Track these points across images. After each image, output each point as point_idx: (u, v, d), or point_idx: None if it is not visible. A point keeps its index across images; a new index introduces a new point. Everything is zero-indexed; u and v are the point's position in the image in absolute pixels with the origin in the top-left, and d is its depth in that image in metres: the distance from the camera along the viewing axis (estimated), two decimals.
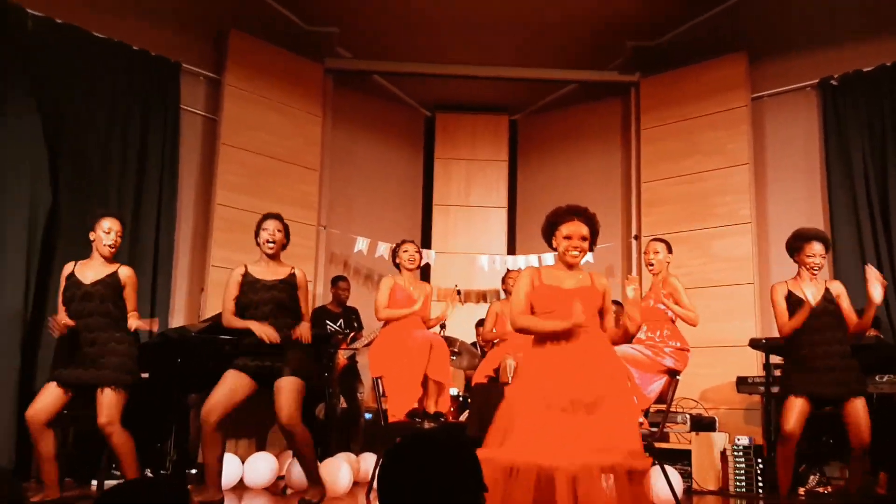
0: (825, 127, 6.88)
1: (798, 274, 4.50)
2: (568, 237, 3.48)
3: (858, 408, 4.27)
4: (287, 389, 4.23)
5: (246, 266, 4.48)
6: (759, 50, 7.31)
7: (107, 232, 4.33)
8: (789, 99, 7.23)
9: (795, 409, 4.29)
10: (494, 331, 5.80)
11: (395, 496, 1.56)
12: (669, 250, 5.07)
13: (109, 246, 4.33)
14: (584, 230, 3.49)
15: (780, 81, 7.24)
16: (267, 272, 4.44)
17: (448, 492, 1.54)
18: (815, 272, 4.43)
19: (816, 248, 4.41)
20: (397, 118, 8.90)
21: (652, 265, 5.02)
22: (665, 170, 7.64)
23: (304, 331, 4.34)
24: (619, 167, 8.32)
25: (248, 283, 4.39)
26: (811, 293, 4.39)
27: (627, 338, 3.64)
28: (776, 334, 4.72)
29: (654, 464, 4.67)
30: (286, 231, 4.54)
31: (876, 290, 4.21)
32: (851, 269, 6.46)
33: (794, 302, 4.39)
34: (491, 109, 8.92)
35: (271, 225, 4.49)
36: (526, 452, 3.14)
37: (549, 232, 3.57)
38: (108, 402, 4.15)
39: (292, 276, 4.47)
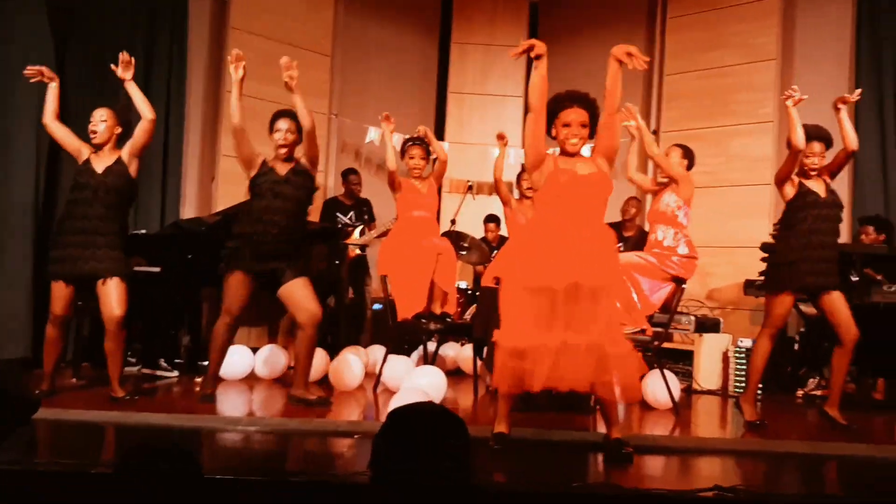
0: (858, 22, 6.54)
1: (798, 171, 4.41)
2: (567, 124, 3.41)
3: (836, 299, 4.30)
4: (302, 288, 4.30)
5: (264, 159, 4.44)
6: None
7: (89, 121, 4.34)
8: None
9: (785, 306, 4.35)
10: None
11: (387, 465, 1.60)
12: (685, 156, 4.98)
13: (92, 134, 4.31)
14: (584, 116, 3.43)
15: None
16: (282, 166, 4.41)
17: (440, 463, 1.58)
18: (813, 172, 4.35)
19: (816, 147, 4.32)
20: None
21: (660, 179, 5.01)
22: (690, 62, 7.36)
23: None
24: None
25: (263, 171, 4.37)
26: (817, 188, 4.36)
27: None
28: None
29: (653, 366, 4.84)
30: (299, 129, 4.45)
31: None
32: (874, 172, 6.37)
33: (804, 192, 4.34)
34: None
35: (283, 125, 4.42)
36: (525, 334, 3.31)
37: (548, 120, 3.46)
38: (120, 294, 4.21)
39: (300, 163, 4.43)
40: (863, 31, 6.51)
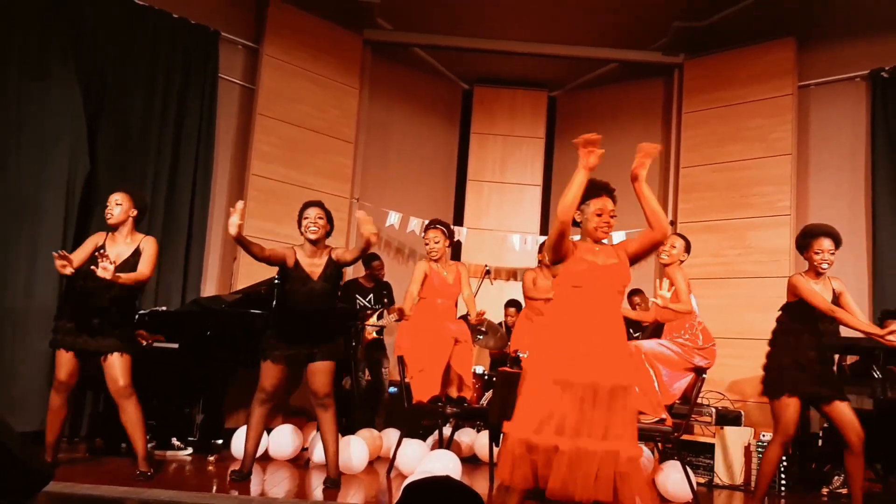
0: (873, 120, 6.69)
1: (808, 270, 4.38)
2: (599, 213, 3.50)
3: (845, 408, 4.25)
4: (322, 372, 4.45)
5: (295, 250, 4.49)
6: (809, 36, 7.09)
7: (105, 204, 4.45)
8: (837, 89, 7.03)
9: (792, 410, 4.26)
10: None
11: None
12: (687, 249, 4.98)
13: (108, 216, 4.41)
14: (612, 206, 3.53)
15: (829, 70, 7.05)
16: (311, 262, 4.47)
17: None
18: (824, 269, 4.31)
19: (825, 244, 4.29)
20: (435, 91, 8.83)
21: (662, 257, 4.94)
22: (705, 156, 7.50)
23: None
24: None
25: (298, 267, 4.43)
26: (819, 290, 4.29)
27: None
28: None
29: (673, 457, 4.73)
30: (328, 217, 4.56)
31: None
32: (893, 265, 6.34)
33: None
34: (530, 85, 8.80)
35: (312, 213, 4.50)
36: (538, 429, 3.22)
37: None
38: (123, 366, 4.26)
39: (331, 260, 4.49)
40: (877, 126, 6.63)
